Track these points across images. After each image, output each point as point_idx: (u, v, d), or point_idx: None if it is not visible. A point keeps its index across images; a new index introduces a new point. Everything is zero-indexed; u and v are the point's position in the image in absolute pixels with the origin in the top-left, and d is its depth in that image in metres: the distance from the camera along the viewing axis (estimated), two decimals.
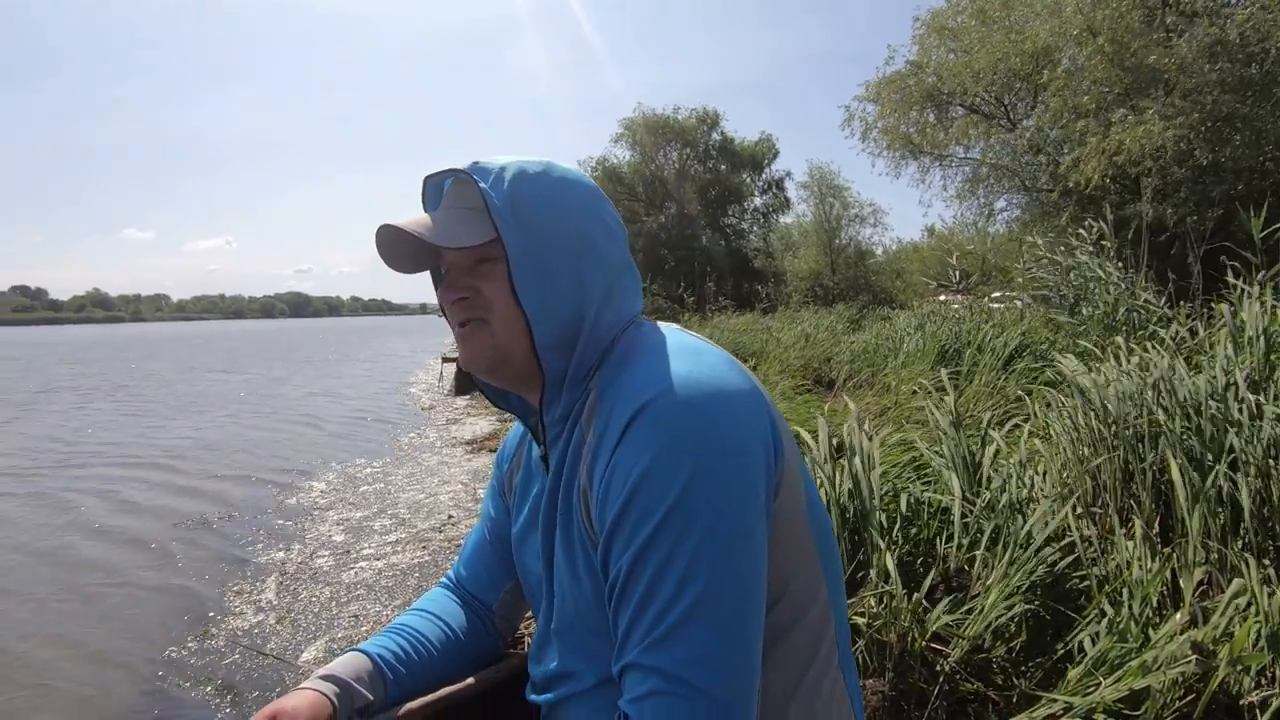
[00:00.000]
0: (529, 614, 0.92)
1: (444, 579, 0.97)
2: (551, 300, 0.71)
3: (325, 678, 0.76)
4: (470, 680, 0.84)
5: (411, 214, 0.77)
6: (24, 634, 3.02)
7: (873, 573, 1.85)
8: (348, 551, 3.84)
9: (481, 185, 0.70)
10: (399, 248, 0.75)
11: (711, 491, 0.60)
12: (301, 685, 0.75)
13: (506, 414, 0.93)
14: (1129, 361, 2.67)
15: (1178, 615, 1.56)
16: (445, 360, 12.80)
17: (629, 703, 0.59)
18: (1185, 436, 2.12)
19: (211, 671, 2.63)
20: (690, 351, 0.69)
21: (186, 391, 13.31)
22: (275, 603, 3.20)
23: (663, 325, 0.76)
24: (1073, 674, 1.54)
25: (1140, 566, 1.75)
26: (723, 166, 25.33)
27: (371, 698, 0.77)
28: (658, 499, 0.60)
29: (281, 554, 3.85)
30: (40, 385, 15.28)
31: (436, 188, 0.78)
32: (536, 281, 0.70)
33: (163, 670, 2.66)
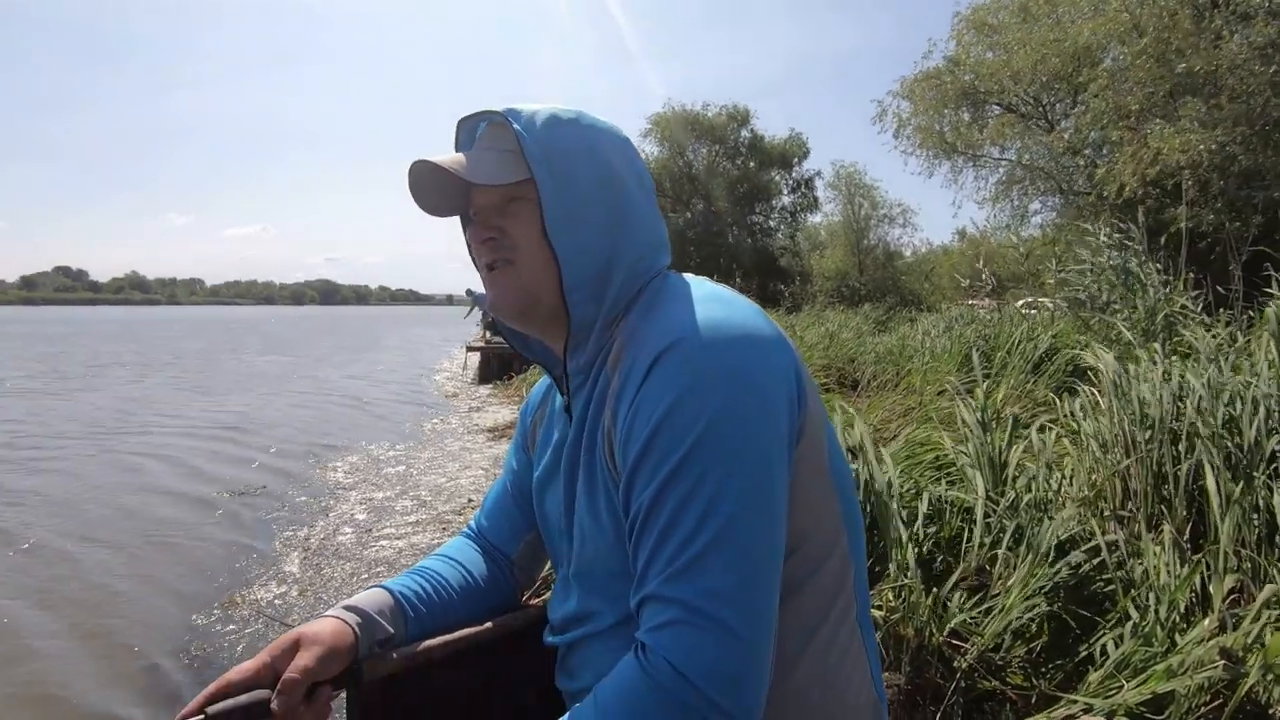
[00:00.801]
0: (547, 566, 0.93)
1: (466, 528, 0.99)
2: (581, 242, 0.71)
3: (349, 608, 0.77)
4: (489, 624, 0.85)
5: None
6: (59, 590, 3.13)
7: (892, 567, 1.84)
8: (369, 530, 3.91)
9: (516, 126, 0.71)
10: (431, 186, 0.76)
11: (736, 430, 0.61)
12: (325, 613, 0.77)
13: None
14: (1166, 363, 2.61)
15: (1206, 621, 1.53)
16: (470, 349, 12.92)
17: (647, 632, 0.59)
18: (1223, 441, 2.06)
19: (235, 639, 2.70)
20: (718, 299, 0.69)
21: (232, 370, 14.05)
22: (298, 576, 3.27)
23: (689, 276, 0.76)
24: (1094, 676, 1.51)
25: (1169, 572, 1.72)
26: (751, 164, 25.15)
27: (392, 631, 0.78)
28: (682, 434, 0.61)
29: (306, 529, 3.94)
30: (96, 361, 16.18)
31: (470, 131, 0.79)
32: (567, 223, 0.71)
33: (189, 636, 2.74)
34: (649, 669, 0.57)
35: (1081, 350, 4.13)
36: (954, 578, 1.80)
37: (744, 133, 25.22)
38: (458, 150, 0.79)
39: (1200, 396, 2.24)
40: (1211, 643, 1.43)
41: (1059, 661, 1.65)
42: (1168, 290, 4.09)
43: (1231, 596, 1.71)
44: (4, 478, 5.15)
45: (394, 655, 0.76)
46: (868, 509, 2.04)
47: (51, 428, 7.34)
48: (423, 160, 0.72)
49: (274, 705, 0.67)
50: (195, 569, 3.40)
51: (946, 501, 2.16)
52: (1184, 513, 1.99)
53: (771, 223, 26.34)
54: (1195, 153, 7.89)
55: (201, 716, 0.65)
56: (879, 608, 1.73)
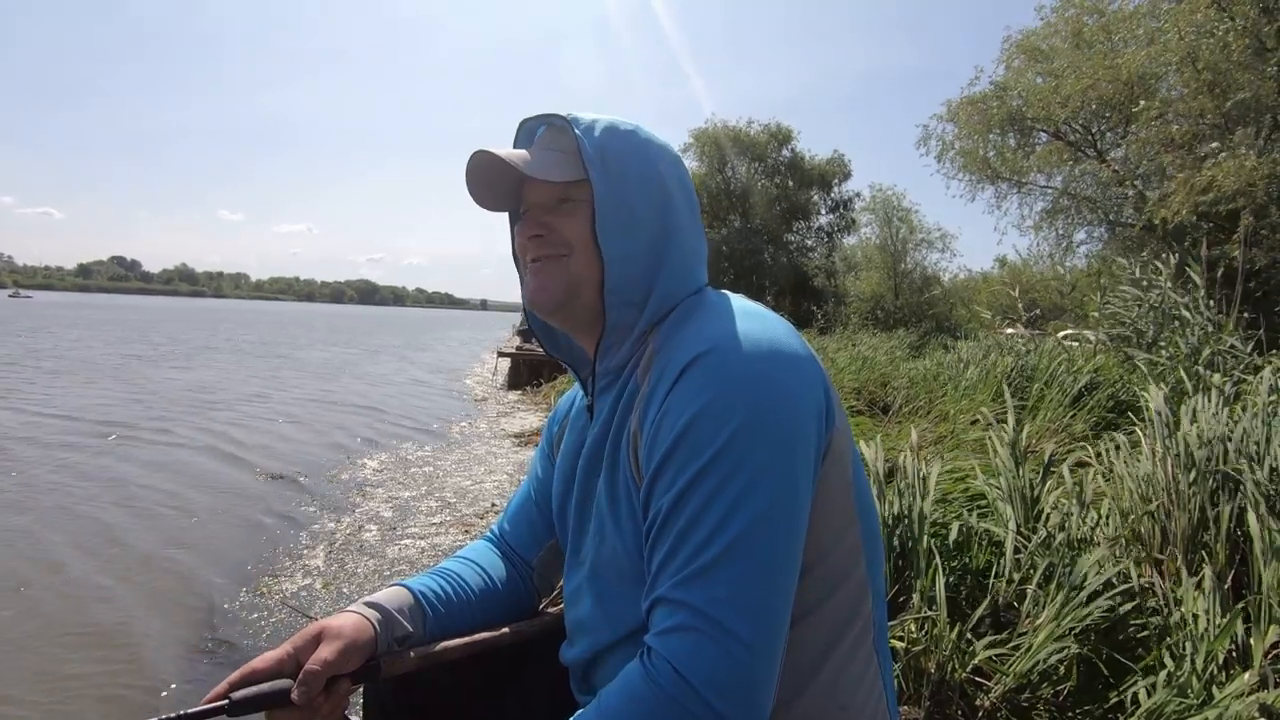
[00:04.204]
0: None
1: (488, 533, 1.00)
2: (628, 248, 0.73)
3: (370, 604, 0.79)
4: (506, 630, 0.86)
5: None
6: (97, 562, 3.23)
7: (915, 598, 1.80)
8: (394, 528, 3.96)
9: (576, 131, 0.74)
10: (487, 179, 0.79)
11: (761, 440, 0.61)
12: (347, 608, 0.78)
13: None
14: (1215, 404, 2.52)
15: (1246, 675, 1.46)
16: (501, 355, 13.07)
17: (655, 636, 0.59)
18: (1268, 487, 1.98)
19: (260, 627, 2.75)
20: (751, 314, 0.70)
21: (306, 359, 16.14)
22: (323, 569, 3.33)
23: (726, 292, 0.77)
24: None
25: (1208, 620, 1.65)
26: (791, 183, 25.05)
27: (411, 630, 0.80)
28: (707, 440, 0.61)
29: (333, 523, 4.01)
30: (189, 345, 19.06)
31: (529, 133, 0.82)
32: (617, 226, 0.73)
33: (217, 620, 2.80)
34: (652, 672, 0.57)
35: (1123, 386, 4.02)
36: (979, 611, 1.76)
37: (785, 151, 25.16)
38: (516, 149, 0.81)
39: (1248, 440, 2.16)
40: (1252, 698, 1.37)
41: (1087, 707, 1.60)
42: (1216, 329, 3.95)
43: (1275, 651, 1.63)
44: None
45: (411, 654, 0.77)
46: (894, 536, 2.01)
47: (203, 397, 8.84)
48: (483, 150, 0.74)
49: (294, 695, 0.69)
50: (229, 552, 3.50)
51: (974, 533, 2.11)
52: (1225, 560, 1.91)
53: (808, 242, 26.16)
54: (1251, 179, 7.62)
55: (226, 701, 0.66)
56: (900, 638, 1.70)
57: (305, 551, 3.55)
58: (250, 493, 4.59)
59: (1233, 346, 3.70)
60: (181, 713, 0.63)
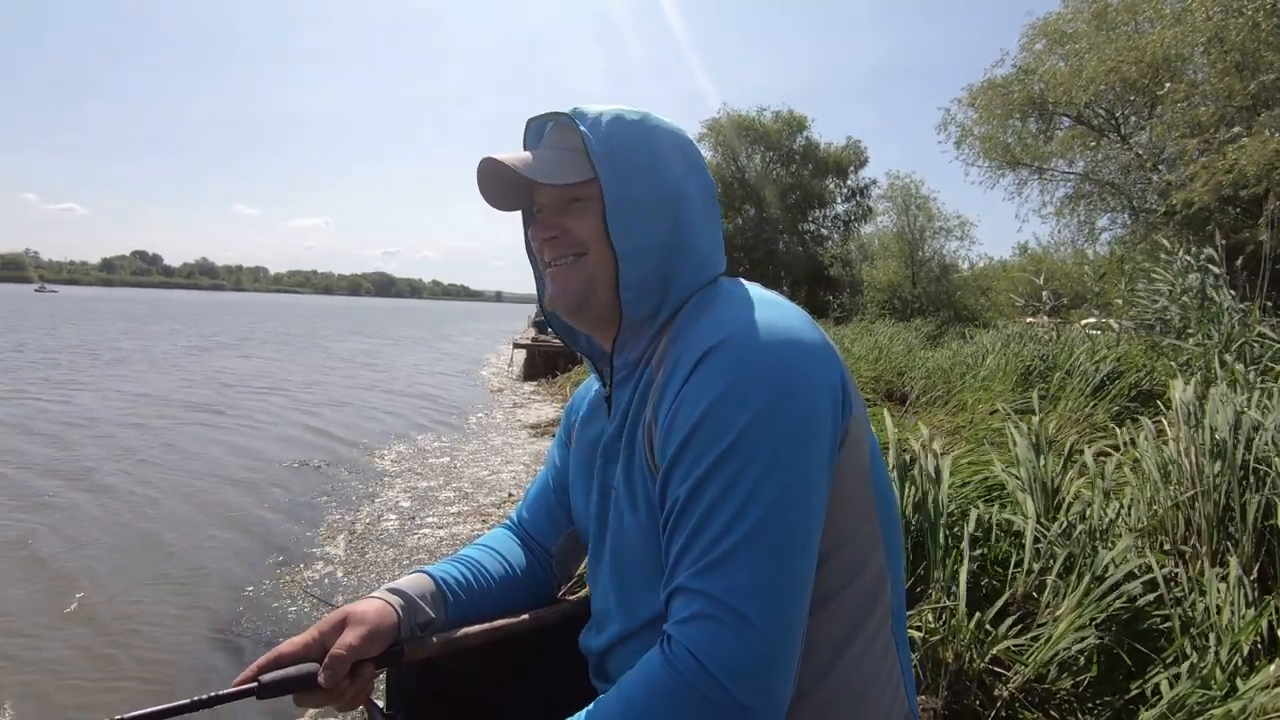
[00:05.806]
0: (585, 563, 0.95)
1: (507, 520, 1.01)
2: (641, 243, 0.73)
3: (393, 590, 0.80)
4: (525, 616, 0.87)
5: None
6: (123, 551, 3.31)
7: (934, 588, 1.79)
8: (413, 518, 4.01)
9: (581, 127, 0.73)
10: (497, 182, 0.78)
11: (777, 428, 0.61)
12: (371, 595, 0.79)
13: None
14: (1241, 394, 2.47)
15: (1272, 667, 1.44)
16: (516, 346, 13.12)
17: (674, 625, 0.60)
18: None
19: (281, 614, 2.80)
20: (767, 303, 0.70)
21: (341, 350, 16.98)
22: (344, 558, 3.38)
23: (742, 281, 0.76)
24: (1146, 716, 1.45)
25: (1233, 612, 1.63)
26: (806, 171, 24.80)
27: (433, 615, 0.81)
28: (723, 430, 0.61)
29: (353, 513, 4.07)
30: (231, 336, 20.38)
31: (538, 131, 0.81)
32: (628, 223, 0.72)
33: (243, 606, 2.87)
34: (671, 660, 0.58)
35: (1147, 374, 3.95)
36: (1000, 602, 1.75)
37: (799, 139, 24.90)
38: (525, 149, 0.81)
39: (1277, 428, 2.12)
40: (1277, 690, 1.35)
41: (1108, 698, 1.58)
42: (1245, 315, 3.87)
43: None
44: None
45: (433, 639, 0.79)
46: (912, 526, 2.00)
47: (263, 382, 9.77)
48: (489, 157, 0.74)
49: (320, 679, 0.70)
50: (253, 541, 3.58)
51: (994, 524, 2.10)
52: (1251, 551, 1.88)
53: (824, 231, 25.91)
54: (1273, 161, 7.42)
55: (256, 684, 0.68)
56: (918, 628, 1.69)
57: (327, 540, 3.61)
58: (276, 481, 4.67)
59: (1261, 334, 3.62)
60: (213, 694, 0.65)
